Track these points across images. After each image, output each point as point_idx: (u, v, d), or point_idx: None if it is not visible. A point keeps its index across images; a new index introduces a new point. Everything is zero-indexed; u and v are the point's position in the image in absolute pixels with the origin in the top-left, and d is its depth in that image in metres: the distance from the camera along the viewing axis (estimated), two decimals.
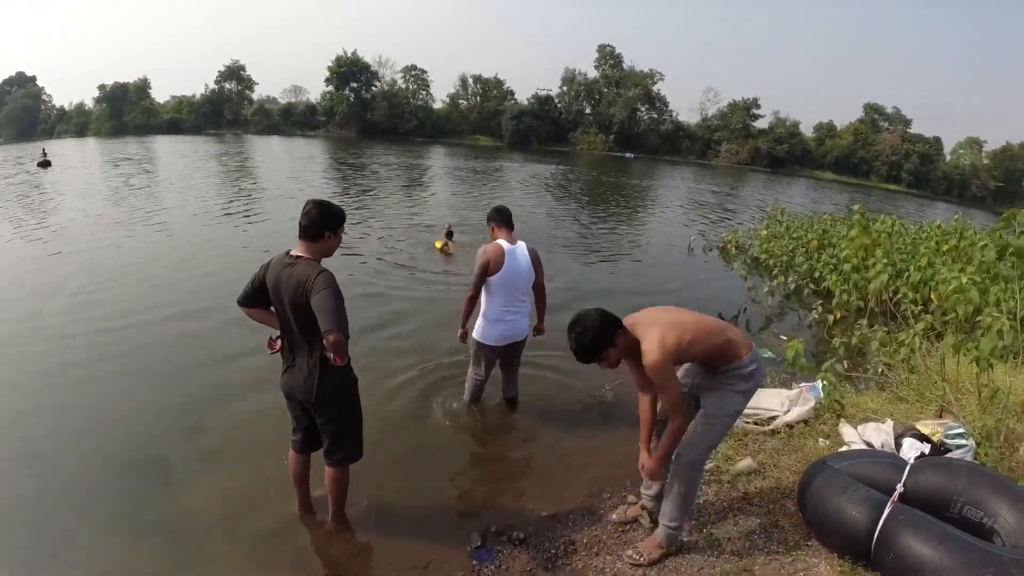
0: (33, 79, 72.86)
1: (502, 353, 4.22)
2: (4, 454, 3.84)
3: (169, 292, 7.22)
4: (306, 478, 3.21)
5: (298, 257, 2.72)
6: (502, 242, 3.98)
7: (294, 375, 2.85)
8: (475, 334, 4.12)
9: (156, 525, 3.21)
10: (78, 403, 4.51)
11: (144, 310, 6.50)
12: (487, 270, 3.91)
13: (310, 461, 3.18)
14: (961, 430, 3.57)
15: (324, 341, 2.52)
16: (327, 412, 2.89)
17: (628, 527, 3.20)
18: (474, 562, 2.94)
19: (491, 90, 63.23)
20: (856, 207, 7.67)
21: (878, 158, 54.94)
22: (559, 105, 61.94)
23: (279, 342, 2.91)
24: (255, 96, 67.97)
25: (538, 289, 4.18)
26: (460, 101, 64.44)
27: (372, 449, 3.37)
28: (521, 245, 4.04)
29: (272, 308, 2.85)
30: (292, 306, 2.67)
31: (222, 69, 64.86)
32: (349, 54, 60.65)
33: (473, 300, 4.05)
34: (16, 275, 7.96)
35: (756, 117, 57.66)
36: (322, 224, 2.72)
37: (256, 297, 2.86)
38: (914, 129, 57.99)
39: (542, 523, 3.26)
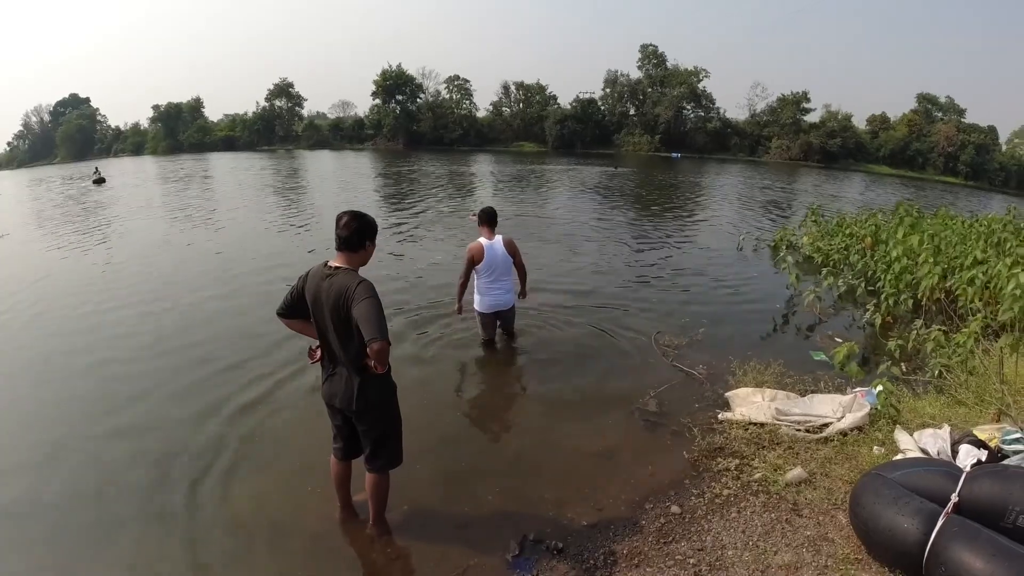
0: (87, 100, 77.65)
1: (494, 318, 5.68)
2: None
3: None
4: (347, 483, 3.28)
5: (337, 268, 2.80)
6: (482, 239, 5.42)
7: (335, 384, 2.92)
8: (474, 305, 5.62)
9: (202, 528, 3.32)
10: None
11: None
12: (472, 262, 5.37)
13: (351, 467, 3.24)
14: (1019, 435, 3.36)
15: (368, 349, 2.62)
16: (368, 420, 2.95)
17: (671, 539, 3.12)
18: (512, 571, 2.92)
19: (533, 96, 63.34)
20: (899, 203, 7.30)
21: (933, 150, 52.23)
22: (602, 107, 61.52)
23: (319, 351, 2.98)
24: (305, 112, 70.47)
25: (518, 267, 5.62)
26: (503, 108, 64.88)
27: (412, 455, 3.43)
28: (498, 239, 5.45)
29: (311, 319, 2.91)
30: (333, 316, 2.74)
31: (271, 87, 67.50)
32: (394, 67, 62.07)
33: (463, 285, 5.48)
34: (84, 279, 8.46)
35: (807, 111, 55.68)
36: (363, 234, 2.82)
37: (295, 308, 2.95)
38: (969, 119, 55.07)
39: (581, 532, 3.21)
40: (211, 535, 3.26)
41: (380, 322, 2.61)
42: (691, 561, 2.92)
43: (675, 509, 3.36)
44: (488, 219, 5.50)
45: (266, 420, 4.49)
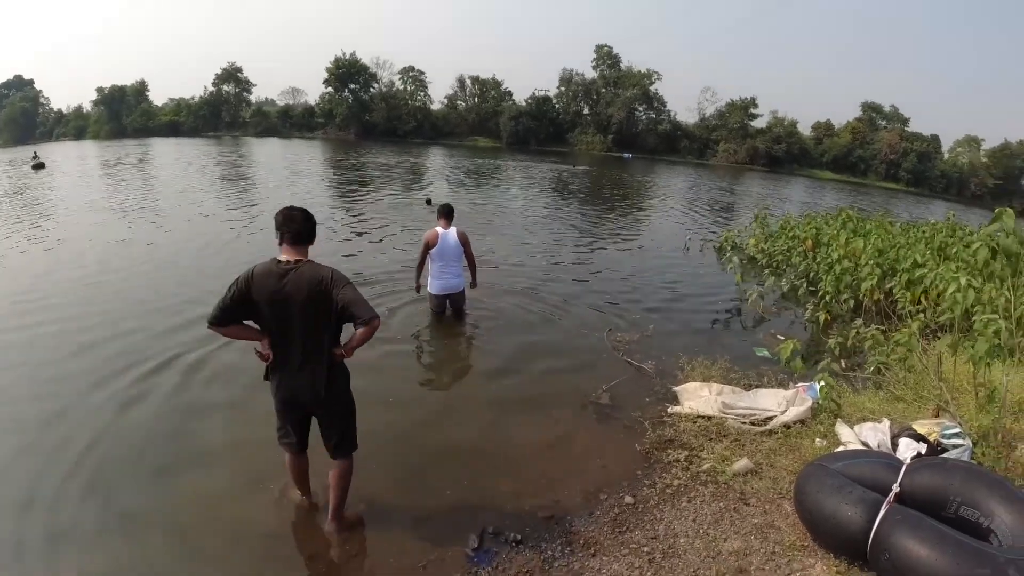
0: (31, 82, 73.07)
1: (444, 299, 6.29)
2: None
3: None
4: (307, 474, 3.27)
5: (298, 261, 2.77)
6: (438, 228, 6.09)
7: (297, 380, 2.87)
8: (428, 288, 6.27)
9: (155, 524, 3.21)
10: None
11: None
12: (427, 246, 6.04)
13: (308, 458, 3.23)
14: (958, 430, 3.58)
15: (364, 327, 2.73)
16: (335, 409, 3.01)
17: (625, 528, 3.22)
18: (471, 564, 2.96)
19: (489, 91, 63.19)
20: (841, 209, 7.69)
21: (876, 156, 54.86)
22: (557, 106, 61.93)
23: (269, 352, 2.87)
24: (253, 98, 68.07)
25: (468, 258, 6.29)
26: (458, 102, 64.43)
27: (367, 450, 3.42)
28: (452, 230, 6.12)
29: (262, 319, 2.82)
30: (307, 307, 2.73)
31: (219, 72, 64.91)
32: (347, 56, 60.69)
33: (420, 266, 6.24)
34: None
35: (754, 116, 57.61)
36: (312, 227, 2.88)
37: (234, 313, 2.79)
38: (912, 127, 57.99)
39: (539, 524, 3.28)
40: (161, 532, 3.15)
41: (366, 302, 2.78)
42: (645, 549, 3.02)
43: (628, 499, 3.47)
44: (445, 213, 6.20)
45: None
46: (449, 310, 6.40)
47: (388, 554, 3.08)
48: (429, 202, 15.12)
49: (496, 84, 63.35)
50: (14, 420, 4.26)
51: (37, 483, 3.50)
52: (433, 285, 6.22)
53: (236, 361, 5.07)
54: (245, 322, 2.86)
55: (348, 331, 2.88)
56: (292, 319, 2.76)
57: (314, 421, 3.10)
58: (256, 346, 2.93)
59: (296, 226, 2.79)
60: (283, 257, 2.79)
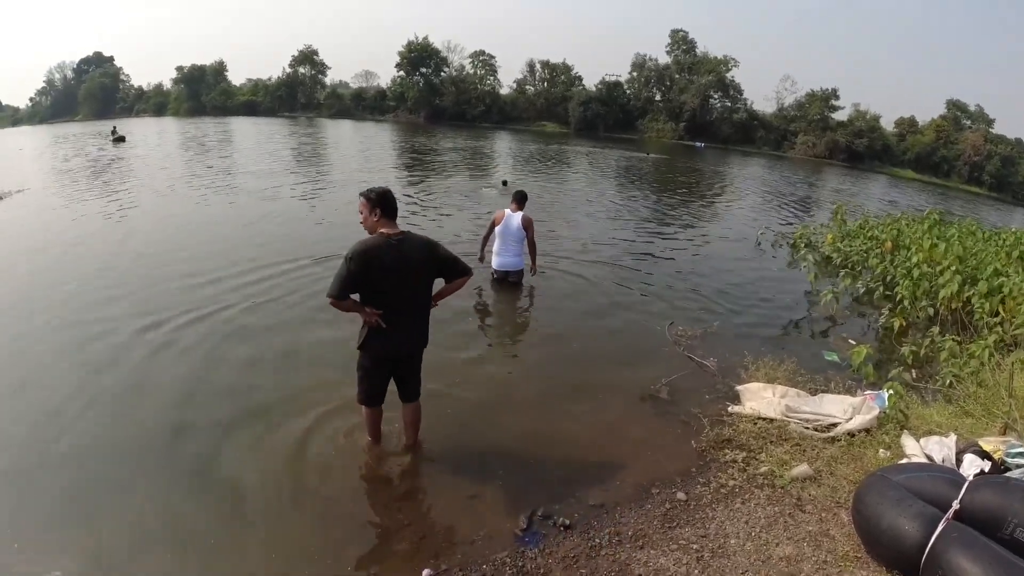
0: (111, 59, 77.88)
1: (504, 275, 6.91)
2: None
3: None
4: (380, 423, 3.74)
5: (402, 232, 3.26)
6: (507, 210, 6.82)
7: (401, 335, 3.34)
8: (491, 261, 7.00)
9: (224, 487, 3.45)
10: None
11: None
12: (493, 224, 6.88)
13: None
14: (1023, 448, 3.37)
15: (460, 280, 3.46)
16: (419, 356, 3.59)
17: (675, 524, 3.20)
18: (520, 544, 3.03)
19: (559, 75, 62.51)
20: (929, 212, 7.20)
21: (960, 158, 50.88)
22: (628, 91, 60.60)
23: (377, 318, 3.25)
24: (328, 80, 70.07)
25: (530, 244, 6.87)
26: (527, 87, 64.16)
27: (424, 426, 3.55)
28: (519, 214, 6.75)
29: (380, 286, 3.20)
30: (421, 268, 3.30)
31: (296, 54, 67.13)
32: (420, 39, 61.44)
33: (485, 238, 7.18)
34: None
35: (835, 109, 54.48)
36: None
37: (353, 288, 3.18)
38: (997, 129, 53.62)
39: (589, 511, 3.31)
40: (230, 497, 3.38)
41: (461, 259, 3.49)
42: (694, 547, 3.00)
43: (681, 496, 3.45)
44: (517, 198, 6.98)
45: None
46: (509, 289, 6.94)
47: (439, 527, 3.20)
48: (505, 183, 15.49)
49: (566, 69, 62.64)
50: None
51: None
52: (494, 260, 6.94)
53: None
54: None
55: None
56: (408, 281, 3.25)
57: None
58: (364, 319, 3.29)
59: (393, 203, 3.28)
60: (388, 231, 3.22)
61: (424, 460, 3.74)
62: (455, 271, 3.41)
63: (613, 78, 60.60)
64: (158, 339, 5.27)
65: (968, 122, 55.16)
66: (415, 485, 3.48)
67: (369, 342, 3.34)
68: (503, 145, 34.49)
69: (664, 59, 60.53)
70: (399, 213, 3.38)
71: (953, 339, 4.84)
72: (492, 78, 64.20)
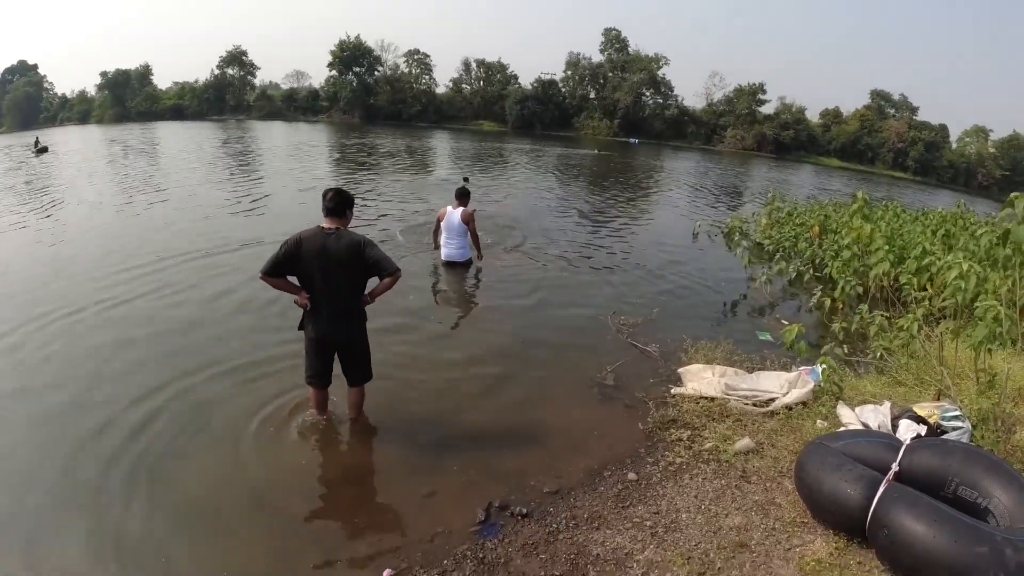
0: (35, 67, 72.83)
1: (449, 265, 7.58)
2: None
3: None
4: (327, 402, 3.97)
5: (336, 228, 3.56)
6: (449, 207, 7.54)
7: (330, 323, 3.63)
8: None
9: (174, 502, 3.30)
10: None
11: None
12: (438, 220, 7.70)
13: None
14: (958, 412, 3.62)
15: (388, 280, 3.60)
16: (357, 347, 3.79)
17: (628, 503, 3.29)
18: (479, 536, 3.04)
19: (494, 74, 62.57)
20: (858, 194, 7.64)
21: (884, 145, 54.11)
22: (563, 90, 61.35)
23: (308, 300, 3.58)
24: (257, 82, 67.60)
25: (472, 236, 7.56)
26: (463, 86, 63.95)
27: (376, 426, 3.50)
28: (460, 209, 7.43)
29: (306, 271, 3.52)
30: (344, 264, 3.50)
31: (224, 55, 64.45)
32: (352, 38, 60.19)
33: (434, 232, 7.94)
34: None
35: (762, 102, 56.80)
36: (344, 204, 3.65)
37: (283, 267, 3.53)
38: (920, 116, 57.23)
39: (545, 498, 3.36)
40: (179, 505, 3.24)
41: (390, 259, 3.63)
42: (648, 523, 3.10)
43: (632, 476, 3.55)
44: (459, 194, 7.63)
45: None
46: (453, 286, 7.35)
47: (396, 527, 3.17)
48: (466, 180, 15.33)
49: (502, 67, 62.77)
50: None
51: None
52: (442, 252, 7.65)
53: None
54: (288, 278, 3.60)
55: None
56: (332, 273, 3.50)
57: None
58: (295, 298, 3.61)
59: (328, 203, 3.58)
60: (326, 225, 3.55)
61: (377, 459, 3.73)
62: (383, 271, 3.58)
63: (548, 76, 61.23)
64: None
65: (892, 111, 58.31)
66: (370, 486, 3.45)
67: (304, 323, 3.70)
68: (442, 144, 34.27)
69: (598, 57, 61.71)
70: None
71: (882, 315, 5.16)
72: (427, 77, 63.61)
